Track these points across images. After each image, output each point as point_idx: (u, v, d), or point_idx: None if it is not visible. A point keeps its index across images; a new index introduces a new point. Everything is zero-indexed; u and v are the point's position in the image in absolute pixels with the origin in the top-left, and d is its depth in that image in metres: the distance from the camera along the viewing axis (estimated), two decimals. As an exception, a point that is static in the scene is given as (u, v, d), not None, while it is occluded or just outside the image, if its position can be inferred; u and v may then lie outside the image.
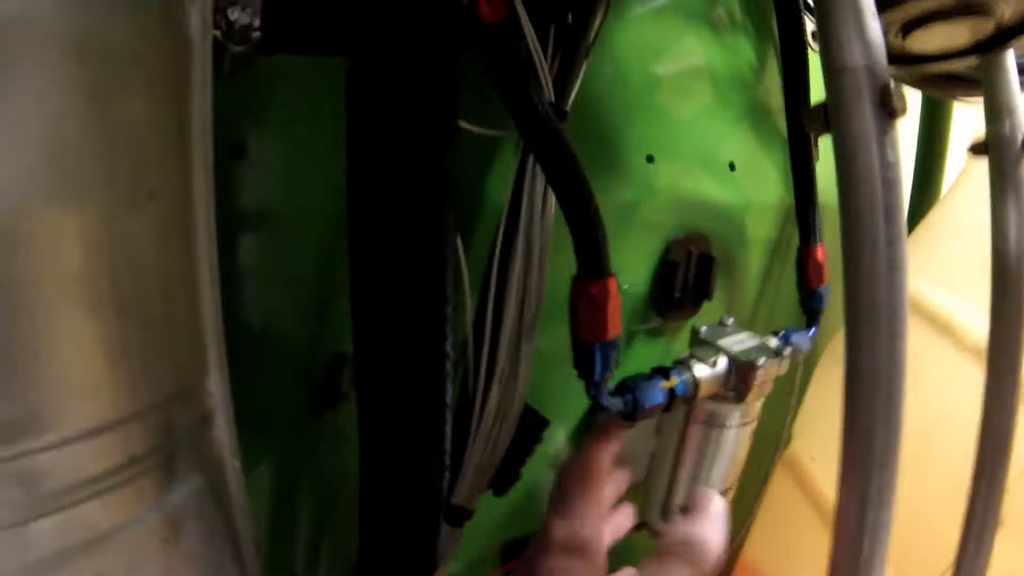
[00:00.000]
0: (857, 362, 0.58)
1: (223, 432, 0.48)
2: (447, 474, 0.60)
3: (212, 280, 0.46)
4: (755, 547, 1.57)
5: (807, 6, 1.11)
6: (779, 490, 1.51)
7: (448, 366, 0.52)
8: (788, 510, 1.49)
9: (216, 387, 0.47)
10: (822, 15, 0.56)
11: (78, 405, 0.36)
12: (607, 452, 0.76)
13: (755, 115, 1.13)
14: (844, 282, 0.58)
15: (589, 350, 0.73)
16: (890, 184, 0.55)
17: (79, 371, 0.36)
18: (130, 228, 0.38)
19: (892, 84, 0.54)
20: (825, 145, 0.75)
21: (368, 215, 0.48)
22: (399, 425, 0.54)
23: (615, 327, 0.72)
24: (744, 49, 1.12)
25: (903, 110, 0.54)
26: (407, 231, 0.48)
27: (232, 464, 0.49)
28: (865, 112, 0.54)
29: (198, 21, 0.44)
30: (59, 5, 0.34)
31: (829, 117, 0.57)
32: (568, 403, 0.99)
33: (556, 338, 0.75)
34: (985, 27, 0.73)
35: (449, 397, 0.54)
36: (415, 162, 0.47)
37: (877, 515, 0.61)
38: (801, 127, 1.09)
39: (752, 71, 1.12)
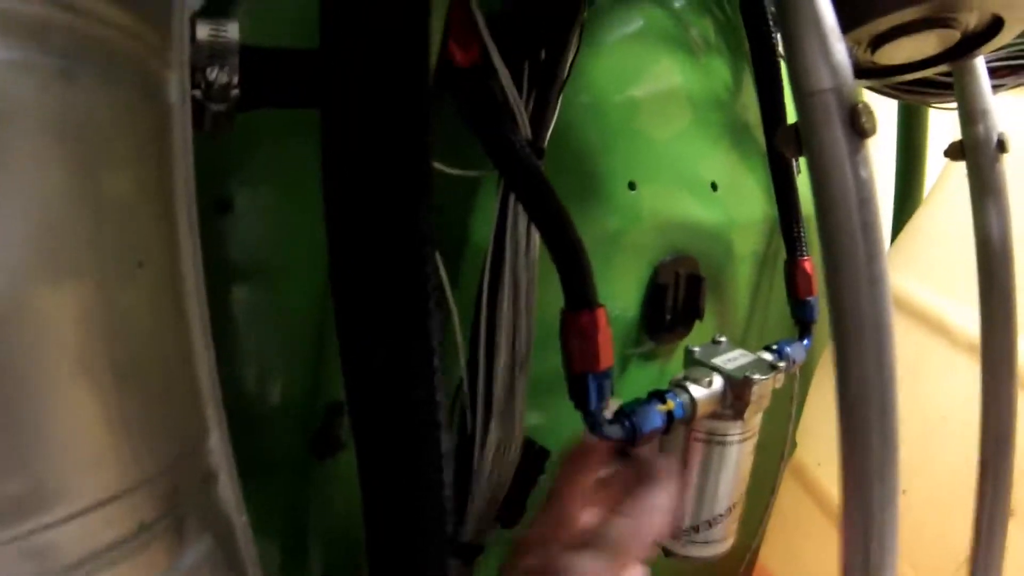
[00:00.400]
0: (847, 379, 0.59)
1: (227, 489, 0.48)
2: (452, 514, 0.61)
3: (206, 339, 0.46)
4: (770, 555, 1.57)
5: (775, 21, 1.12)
6: (789, 497, 1.51)
7: (439, 414, 0.53)
8: (799, 516, 1.50)
9: (217, 445, 0.47)
10: (788, 40, 0.57)
11: (85, 478, 0.36)
12: (577, 481, 0.75)
13: (734, 133, 1.14)
14: (828, 300, 0.59)
15: (583, 381, 0.73)
16: (865, 201, 0.56)
17: (84, 444, 0.36)
18: (123, 299, 0.39)
19: (861, 104, 0.55)
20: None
21: (345, 267, 0.49)
22: (395, 473, 0.55)
23: (607, 357, 0.73)
24: (719, 69, 1.13)
25: (873, 129, 0.55)
26: (386, 280, 0.49)
27: (239, 519, 0.49)
28: (836, 134, 0.55)
29: (177, 86, 0.45)
30: (43, 89, 0.34)
31: (800, 138, 0.58)
32: (568, 427, 0.99)
33: (551, 366, 0.76)
34: (952, 36, 0.74)
35: (444, 442, 0.54)
36: (388, 211, 0.48)
37: (882, 522, 0.62)
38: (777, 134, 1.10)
39: (728, 91, 1.14)
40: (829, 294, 0.59)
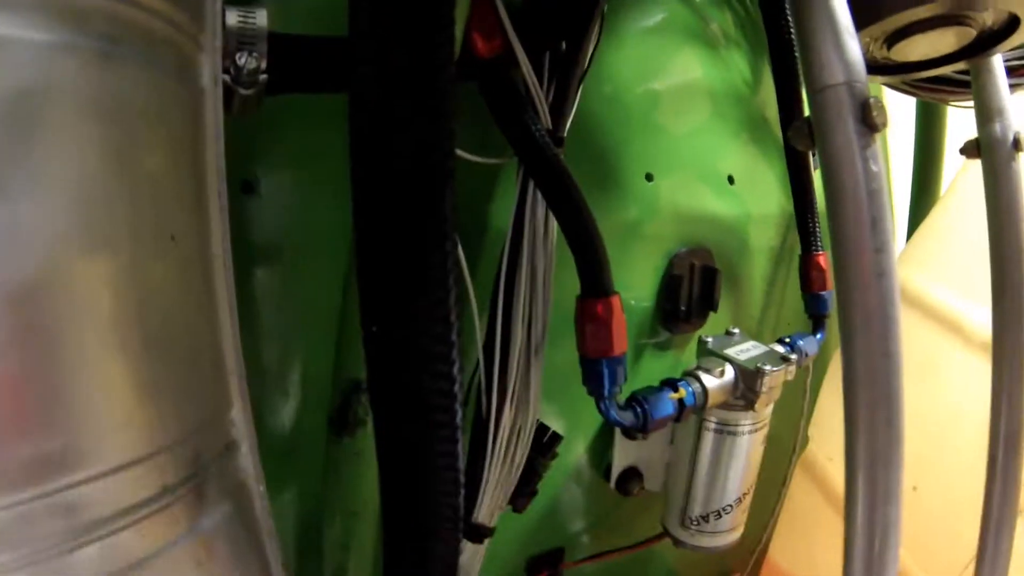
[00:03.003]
0: (853, 369, 0.60)
1: (247, 459, 0.50)
2: (463, 493, 0.62)
3: (232, 315, 0.48)
4: (779, 548, 1.58)
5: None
6: (799, 491, 1.52)
7: (456, 395, 0.54)
8: (809, 510, 1.50)
9: (239, 417, 0.49)
10: (802, 36, 0.58)
11: (114, 439, 0.38)
12: None
13: (752, 127, 1.15)
14: (836, 290, 0.60)
15: (596, 366, 0.75)
16: (875, 194, 0.57)
17: (114, 407, 0.38)
18: (155, 271, 0.41)
19: (872, 99, 0.56)
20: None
21: (370, 248, 0.51)
22: (411, 449, 0.56)
23: (621, 343, 0.74)
24: (739, 63, 1.14)
25: (884, 123, 0.56)
26: (408, 264, 0.50)
27: (257, 489, 0.51)
28: (847, 128, 0.56)
29: (209, 71, 0.47)
30: (83, 70, 0.36)
31: (813, 132, 0.59)
32: (583, 415, 1.01)
33: (566, 352, 0.77)
34: (968, 34, 0.75)
35: (459, 419, 0.55)
36: (414, 195, 0.49)
37: (885, 513, 0.63)
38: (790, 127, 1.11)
39: (747, 84, 1.15)
40: (837, 285, 0.60)
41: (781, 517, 1.55)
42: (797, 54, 1.09)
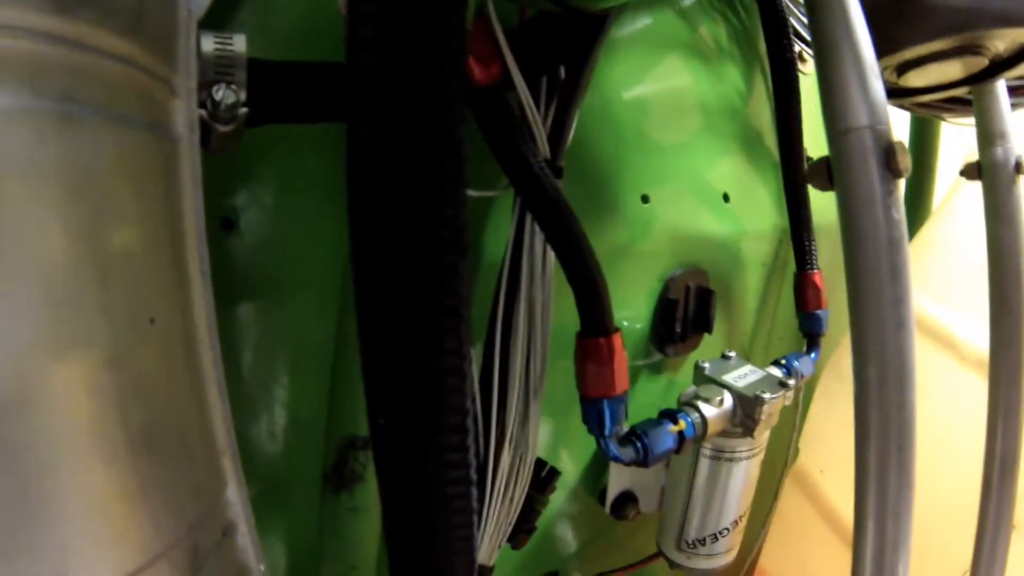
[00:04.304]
0: (868, 421, 0.58)
1: (246, 539, 0.47)
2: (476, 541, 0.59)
3: (220, 390, 0.44)
4: (770, 560, 1.58)
5: (796, 32, 1.10)
6: (791, 503, 1.52)
7: (472, 475, 0.51)
8: (800, 522, 1.50)
9: (235, 496, 0.45)
10: (825, 73, 0.56)
11: (106, 557, 0.34)
12: None
13: (746, 142, 1.12)
14: (852, 341, 0.58)
15: (597, 406, 0.72)
16: (895, 243, 0.55)
17: (103, 522, 0.34)
18: (135, 360, 0.36)
19: (897, 143, 0.54)
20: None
21: (373, 288, 0.46)
22: (423, 505, 0.53)
23: (622, 382, 0.72)
24: (732, 75, 1.11)
25: (908, 169, 0.54)
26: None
27: (258, 569, 0.47)
28: (871, 173, 0.54)
29: (184, 116, 0.42)
30: (38, 133, 0.31)
31: (832, 174, 0.57)
32: (577, 438, 0.99)
33: (559, 375, 0.75)
34: (979, 63, 0.73)
35: (473, 472, 0.52)
36: (424, 229, 0.45)
37: (894, 562, 0.61)
38: (792, 153, 1.09)
39: (741, 97, 1.12)
40: (853, 335, 0.58)
41: (772, 527, 1.54)
42: (798, 72, 1.07)
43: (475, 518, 0.52)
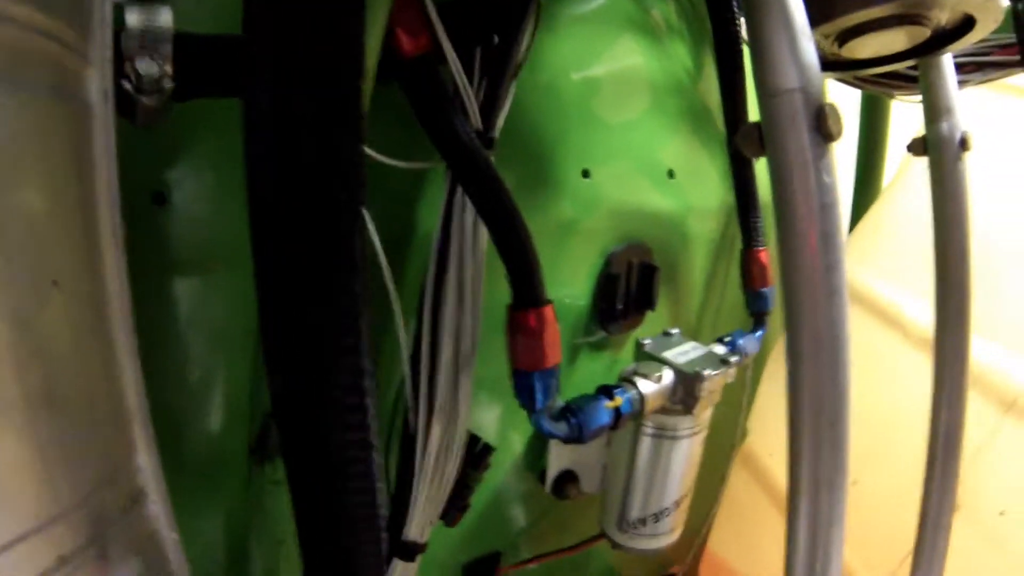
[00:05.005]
0: (800, 393, 0.57)
1: (157, 506, 0.45)
2: (386, 512, 0.58)
3: (131, 356, 0.43)
4: (719, 542, 1.58)
5: (739, 6, 1.09)
6: (739, 486, 1.52)
7: (372, 439, 0.49)
8: (749, 505, 1.50)
9: (145, 462, 0.44)
10: (754, 36, 0.54)
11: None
12: None
13: (693, 119, 1.11)
14: (784, 310, 0.57)
15: (528, 380, 0.71)
16: (827, 207, 0.53)
17: None
18: (36, 322, 0.35)
19: (828, 106, 0.52)
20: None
21: (270, 267, 0.45)
22: (324, 475, 0.52)
23: (554, 355, 0.70)
24: (680, 53, 1.10)
25: (839, 133, 0.52)
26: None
27: (171, 536, 0.46)
28: (801, 136, 0.52)
29: (98, 85, 0.41)
30: None
31: (764, 138, 0.55)
32: (517, 417, 0.98)
33: (498, 354, 0.73)
34: (921, 33, 0.72)
35: (374, 437, 0.51)
36: (315, 213, 0.44)
37: (828, 536, 0.60)
38: (737, 128, 1.08)
39: (689, 75, 1.11)
40: (785, 305, 0.57)
41: (721, 510, 1.54)
42: (743, 47, 1.06)
43: (377, 484, 0.51)
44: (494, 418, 0.98)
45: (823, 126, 0.52)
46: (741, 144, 0.58)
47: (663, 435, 0.95)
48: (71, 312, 0.38)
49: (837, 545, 0.60)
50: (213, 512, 0.80)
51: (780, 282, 0.57)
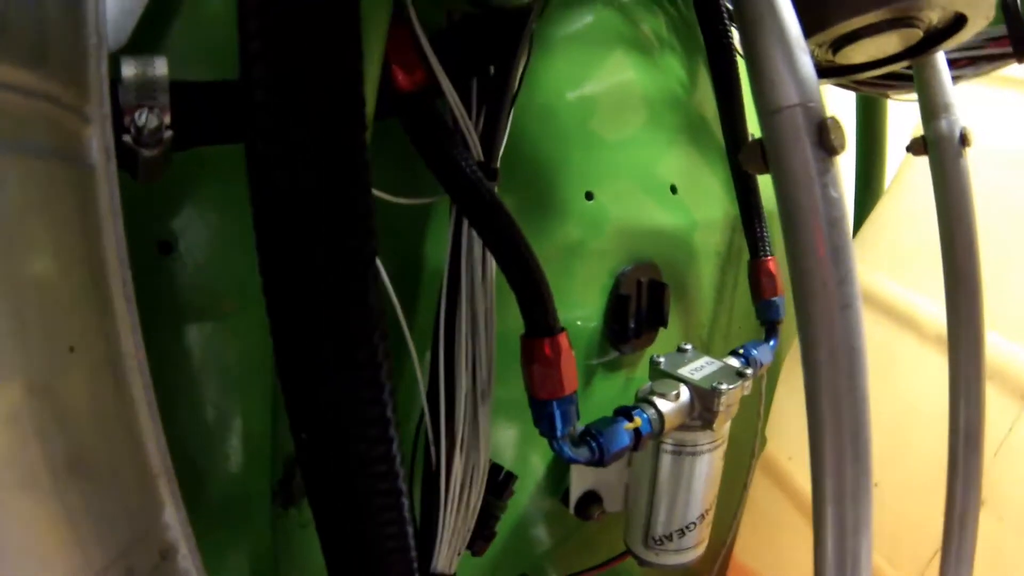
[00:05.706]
0: (820, 407, 0.56)
1: (187, 560, 0.45)
2: (415, 550, 0.58)
3: (151, 411, 0.42)
4: (744, 549, 1.57)
5: (732, 17, 1.09)
6: (761, 492, 1.51)
7: (400, 487, 0.49)
8: (772, 510, 1.50)
9: (173, 518, 0.44)
10: (751, 54, 0.54)
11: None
12: None
13: (691, 131, 1.11)
14: (798, 325, 0.57)
15: (547, 408, 0.71)
16: (835, 222, 0.53)
17: (26, 555, 0.33)
18: (55, 389, 0.35)
19: (830, 119, 0.52)
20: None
21: (284, 317, 0.45)
22: (353, 518, 0.52)
23: (571, 382, 0.70)
24: (673, 66, 1.10)
25: (843, 146, 0.52)
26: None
27: (201, 591, 0.46)
28: (805, 152, 0.52)
29: (99, 143, 0.40)
30: None
31: (767, 156, 0.55)
32: (537, 441, 0.97)
33: (514, 380, 0.73)
34: (914, 35, 0.72)
35: (402, 482, 0.51)
36: (325, 254, 0.44)
37: (855, 545, 0.60)
38: (736, 139, 1.08)
39: (684, 87, 1.11)
40: (799, 321, 0.56)
41: (744, 517, 1.54)
42: (737, 55, 1.06)
43: (408, 527, 0.51)
44: (513, 441, 0.97)
45: (826, 140, 0.52)
46: (745, 162, 0.58)
47: (683, 451, 0.95)
48: (89, 376, 0.38)
49: (866, 552, 0.60)
50: (240, 558, 0.79)
51: (792, 296, 0.57)
